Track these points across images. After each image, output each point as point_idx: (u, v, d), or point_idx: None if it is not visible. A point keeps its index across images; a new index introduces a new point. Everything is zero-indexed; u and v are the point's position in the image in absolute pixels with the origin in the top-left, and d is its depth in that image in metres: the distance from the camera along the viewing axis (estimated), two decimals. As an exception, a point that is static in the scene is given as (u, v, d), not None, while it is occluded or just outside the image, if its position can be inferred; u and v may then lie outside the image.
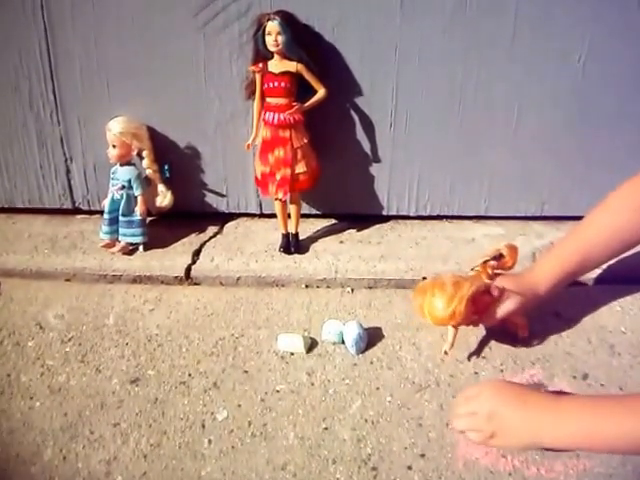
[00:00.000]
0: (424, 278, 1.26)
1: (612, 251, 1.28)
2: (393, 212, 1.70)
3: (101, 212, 1.63)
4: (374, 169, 1.64)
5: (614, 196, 1.25)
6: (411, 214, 1.70)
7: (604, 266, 1.40)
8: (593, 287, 1.46)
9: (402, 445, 1.11)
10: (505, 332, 1.30)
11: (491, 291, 1.21)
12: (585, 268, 1.29)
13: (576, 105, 1.54)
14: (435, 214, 1.70)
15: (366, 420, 1.16)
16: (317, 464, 1.08)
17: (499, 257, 1.27)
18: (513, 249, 1.29)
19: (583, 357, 1.28)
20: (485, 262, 1.26)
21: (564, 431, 1.03)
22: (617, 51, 1.48)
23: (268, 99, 1.48)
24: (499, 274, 1.27)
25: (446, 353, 1.24)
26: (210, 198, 1.71)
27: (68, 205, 1.75)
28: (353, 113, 1.57)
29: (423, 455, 1.09)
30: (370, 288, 1.51)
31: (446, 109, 1.57)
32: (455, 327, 1.22)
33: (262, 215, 1.73)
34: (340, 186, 1.65)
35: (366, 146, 1.61)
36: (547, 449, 1.05)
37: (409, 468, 1.07)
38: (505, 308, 1.22)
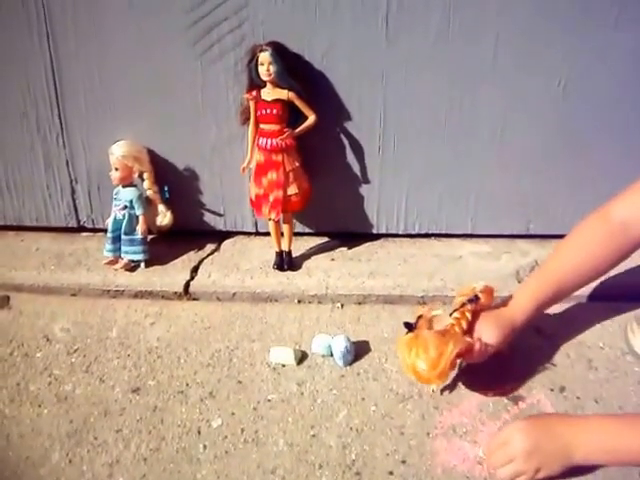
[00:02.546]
0: (406, 324, 1.24)
1: (585, 279, 1.31)
2: (382, 230, 1.72)
3: (104, 230, 1.67)
4: (364, 190, 1.67)
5: (583, 227, 1.29)
6: (400, 232, 1.72)
7: (585, 285, 1.44)
8: (573, 305, 1.49)
9: (384, 452, 1.15)
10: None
11: (474, 345, 1.22)
12: (560, 297, 1.32)
13: (558, 126, 1.58)
14: (423, 232, 1.72)
15: (351, 428, 1.20)
16: (304, 469, 1.13)
17: (475, 299, 1.27)
18: (489, 291, 1.31)
19: (561, 371, 1.32)
20: (462, 305, 1.26)
21: (593, 447, 1.07)
22: (596, 74, 1.52)
23: (261, 125, 1.52)
24: (478, 312, 1.28)
25: (433, 391, 1.26)
26: (208, 217, 1.74)
27: (73, 224, 1.79)
28: (343, 137, 1.61)
29: (404, 461, 1.13)
30: (359, 304, 1.54)
31: (432, 132, 1.60)
32: None
33: (258, 233, 1.75)
34: (331, 206, 1.68)
35: (356, 168, 1.64)
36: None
37: (390, 473, 1.12)
38: (486, 351, 1.23)
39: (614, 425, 1.10)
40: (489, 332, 1.24)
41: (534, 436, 1.09)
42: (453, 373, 1.28)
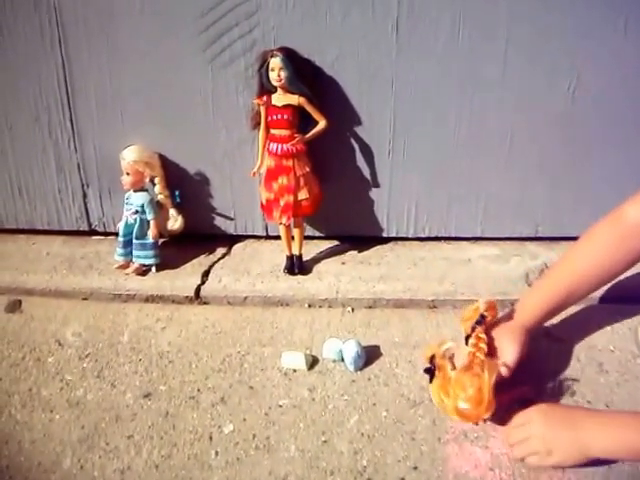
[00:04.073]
0: (426, 371, 1.22)
1: (598, 283, 1.30)
2: (392, 234, 1.73)
3: (116, 233, 1.68)
4: (374, 194, 1.67)
5: (595, 230, 1.27)
6: (410, 236, 1.73)
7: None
8: (584, 307, 1.48)
9: (396, 458, 1.15)
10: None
11: (501, 369, 1.20)
12: (569, 302, 1.31)
13: (567, 131, 1.58)
14: (433, 236, 1.73)
15: (363, 434, 1.20)
16: (316, 475, 1.13)
17: (483, 319, 1.25)
18: (492, 306, 1.28)
19: (572, 374, 1.31)
20: (473, 330, 1.23)
21: (610, 442, 1.09)
22: (606, 78, 1.52)
23: (272, 130, 1.52)
24: (489, 329, 1.26)
25: (484, 421, 1.20)
26: (219, 221, 1.75)
27: (85, 227, 1.80)
28: (353, 142, 1.61)
29: (416, 468, 1.13)
30: (370, 308, 1.54)
31: (442, 136, 1.60)
32: None
33: (268, 237, 1.76)
34: (342, 210, 1.69)
35: (366, 172, 1.65)
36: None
37: None
38: (513, 370, 1.22)
39: (634, 422, 1.11)
40: (510, 349, 1.23)
41: (552, 421, 1.14)
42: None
